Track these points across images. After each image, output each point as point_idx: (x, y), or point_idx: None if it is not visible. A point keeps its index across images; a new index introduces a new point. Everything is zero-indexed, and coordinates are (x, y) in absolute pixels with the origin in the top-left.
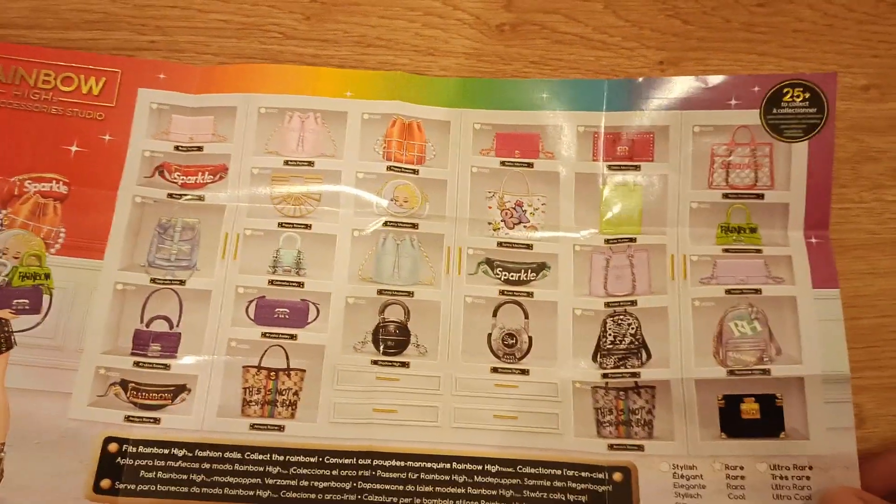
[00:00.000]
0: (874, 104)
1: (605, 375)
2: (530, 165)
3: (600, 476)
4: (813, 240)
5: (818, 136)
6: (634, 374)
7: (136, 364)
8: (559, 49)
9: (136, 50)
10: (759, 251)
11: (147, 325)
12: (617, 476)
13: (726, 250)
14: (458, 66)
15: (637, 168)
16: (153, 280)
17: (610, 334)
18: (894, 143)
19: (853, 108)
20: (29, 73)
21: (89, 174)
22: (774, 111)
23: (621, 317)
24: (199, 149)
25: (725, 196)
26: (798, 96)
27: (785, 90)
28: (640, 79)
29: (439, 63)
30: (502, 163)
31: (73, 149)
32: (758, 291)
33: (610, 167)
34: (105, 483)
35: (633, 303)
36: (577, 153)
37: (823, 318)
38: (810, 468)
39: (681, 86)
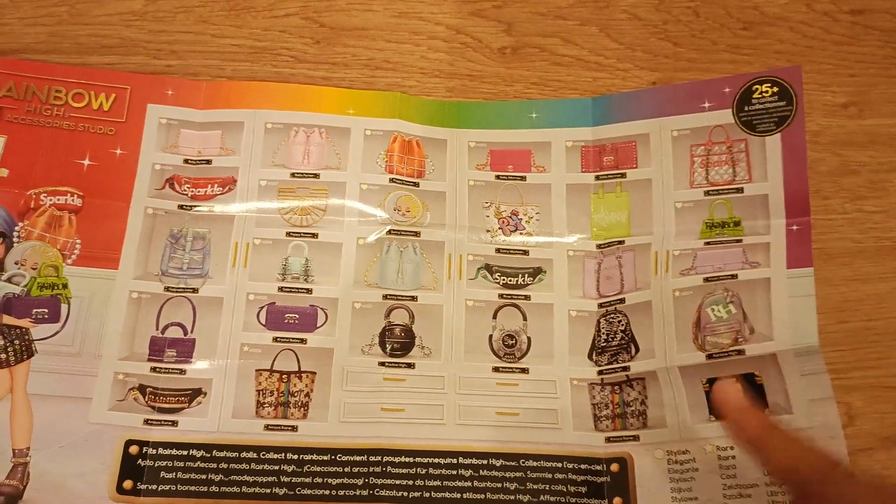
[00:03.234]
0: (854, 120)
1: (600, 372)
2: (523, 178)
3: (598, 468)
4: (794, 227)
5: (790, 127)
6: (625, 368)
7: (153, 369)
8: (558, 70)
9: (152, 73)
10: (739, 241)
11: (162, 332)
12: (614, 467)
13: (708, 243)
14: (463, 87)
15: (623, 175)
16: (167, 288)
17: (603, 332)
18: (873, 156)
19: (834, 125)
20: (40, 89)
21: (102, 187)
22: (746, 108)
23: (612, 315)
24: (208, 162)
25: (707, 193)
26: (767, 91)
27: (754, 87)
28: (619, 93)
29: (445, 84)
30: (497, 176)
31: (86, 162)
32: (734, 276)
33: (598, 177)
34: (127, 484)
35: (622, 300)
36: (567, 166)
37: (794, 294)
38: None
39: (657, 96)
